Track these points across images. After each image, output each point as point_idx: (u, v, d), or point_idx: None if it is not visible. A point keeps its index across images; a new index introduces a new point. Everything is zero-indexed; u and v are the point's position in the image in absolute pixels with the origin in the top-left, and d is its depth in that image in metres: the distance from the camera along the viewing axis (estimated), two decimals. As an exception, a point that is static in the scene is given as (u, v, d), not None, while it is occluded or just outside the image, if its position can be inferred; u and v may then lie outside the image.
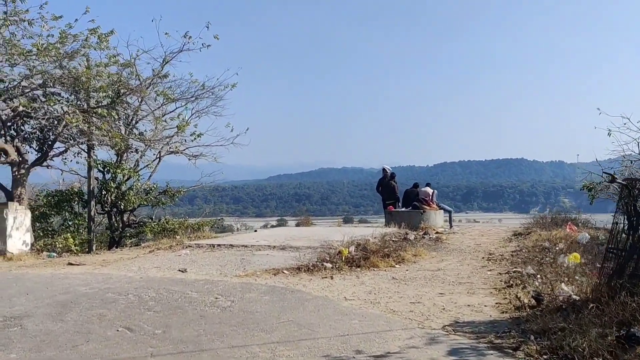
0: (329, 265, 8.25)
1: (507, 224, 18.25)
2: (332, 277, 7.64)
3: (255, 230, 13.12)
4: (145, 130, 14.26)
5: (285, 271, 7.89)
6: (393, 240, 10.96)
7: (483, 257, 9.41)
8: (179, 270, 8.21)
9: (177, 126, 13.46)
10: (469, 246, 11.01)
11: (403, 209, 15.84)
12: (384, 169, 17.30)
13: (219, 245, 10.02)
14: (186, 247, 10.19)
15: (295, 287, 6.92)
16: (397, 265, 8.67)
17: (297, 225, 14.26)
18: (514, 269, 7.72)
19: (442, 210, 15.86)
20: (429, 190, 16.48)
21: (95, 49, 11.27)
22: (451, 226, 15.99)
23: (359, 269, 8.27)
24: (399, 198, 16.89)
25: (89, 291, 6.92)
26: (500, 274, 7.69)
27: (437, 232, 13.30)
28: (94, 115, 11.20)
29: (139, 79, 12.62)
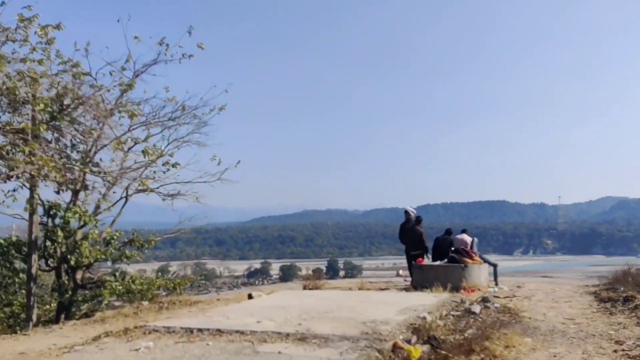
0: (390, 378, 4.88)
1: (559, 279, 14.97)
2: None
3: (251, 297, 9.62)
4: (100, 159, 10.81)
5: (318, 396, 4.48)
6: (453, 315, 7.60)
7: (616, 351, 6.04)
8: (130, 391, 4.78)
9: (142, 151, 10.07)
10: (561, 322, 7.64)
11: (438, 263, 12.48)
12: (406, 212, 13.99)
13: (200, 330, 6.53)
14: (150, 332, 6.72)
15: None
16: (494, 371, 5.30)
17: (305, 287, 10.78)
18: None
19: (486, 264, 12.57)
20: (467, 238, 13.16)
21: (25, 41, 7.96)
22: (497, 283, 12.63)
23: (439, 384, 4.89)
24: (428, 248, 13.55)
25: None
26: None
27: (495, 296, 9.96)
28: (21, 136, 7.80)
29: (97, 89, 9.30)
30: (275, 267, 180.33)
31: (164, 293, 12.23)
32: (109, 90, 9.71)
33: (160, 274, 12.29)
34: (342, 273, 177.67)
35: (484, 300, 8.90)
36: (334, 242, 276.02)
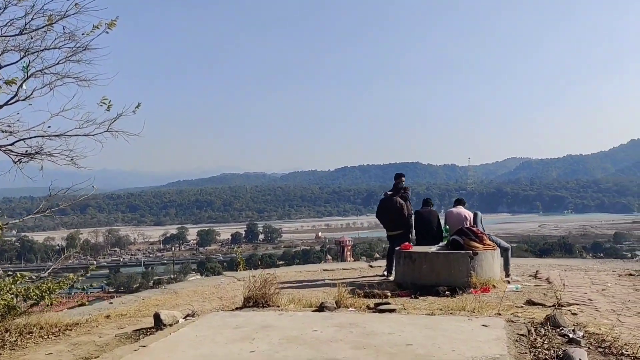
0: None
1: (563, 259, 11.90)
2: None
3: (159, 324, 5.56)
4: None
5: None
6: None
7: None
8: None
9: None
10: None
11: (433, 249, 8.85)
12: (395, 177, 10.26)
13: None
14: None
15: None
16: None
17: (248, 300, 6.64)
18: None
19: (498, 250, 9.25)
20: (466, 212, 9.67)
21: None
22: (508, 274, 9.27)
23: None
24: (411, 225, 9.95)
25: None
26: None
27: (556, 306, 6.48)
28: None
29: None
30: (192, 232, 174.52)
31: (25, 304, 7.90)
32: None
33: (17, 275, 7.87)
34: (261, 237, 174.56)
35: (552, 323, 5.36)
36: (253, 206, 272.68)
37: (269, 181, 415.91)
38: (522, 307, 6.67)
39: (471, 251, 8.20)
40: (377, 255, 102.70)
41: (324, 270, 10.97)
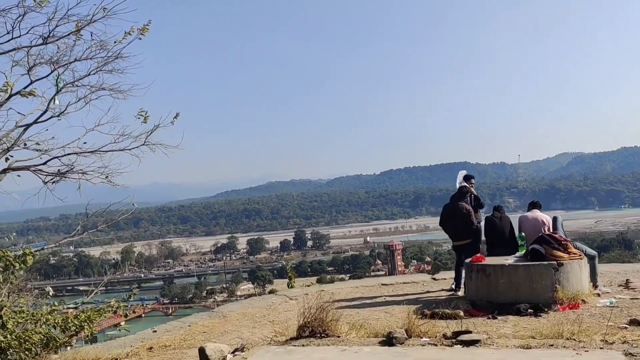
0: None
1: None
2: None
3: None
4: None
5: None
6: None
7: None
8: None
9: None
10: None
11: (509, 260, 7.80)
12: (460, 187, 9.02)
13: None
14: None
15: None
16: None
17: (303, 328, 5.90)
18: None
19: (585, 259, 7.96)
20: (543, 216, 8.58)
21: None
22: (596, 285, 8.13)
23: None
24: (480, 233, 8.90)
25: None
26: None
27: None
28: None
29: None
30: (242, 242, 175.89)
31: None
32: None
33: (55, 303, 7.26)
34: (309, 243, 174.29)
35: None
36: (300, 213, 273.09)
37: (315, 187, 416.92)
38: (626, 328, 5.68)
39: (555, 262, 7.16)
40: (428, 259, 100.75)
41: (382, 284, 10.08)
